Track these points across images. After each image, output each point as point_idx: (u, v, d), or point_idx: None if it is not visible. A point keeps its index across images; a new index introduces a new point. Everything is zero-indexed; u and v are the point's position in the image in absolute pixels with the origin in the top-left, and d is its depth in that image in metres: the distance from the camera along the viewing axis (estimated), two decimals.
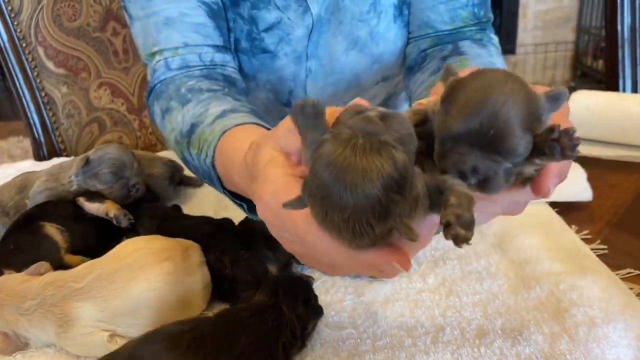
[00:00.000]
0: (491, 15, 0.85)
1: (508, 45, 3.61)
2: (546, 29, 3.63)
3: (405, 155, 0.34)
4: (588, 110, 0.98)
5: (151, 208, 0.75)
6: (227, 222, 0.68)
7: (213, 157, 0.61)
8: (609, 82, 1.29)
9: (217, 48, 0.79)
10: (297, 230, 0.40)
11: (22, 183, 0.77)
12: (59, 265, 0.63)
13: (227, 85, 0.74)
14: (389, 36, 0.86)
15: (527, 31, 3.64)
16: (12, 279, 0.57)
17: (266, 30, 0.83)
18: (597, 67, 3.51)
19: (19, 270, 0.60)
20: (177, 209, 0.78)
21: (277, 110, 0.93)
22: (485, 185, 0.38)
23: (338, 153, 0.33)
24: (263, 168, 0.43)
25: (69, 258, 0.65)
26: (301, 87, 0.89)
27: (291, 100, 0.91)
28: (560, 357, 0.50)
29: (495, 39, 0.84)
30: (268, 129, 0.59)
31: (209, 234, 0.65)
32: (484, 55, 0.77)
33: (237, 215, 0.67)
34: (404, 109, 1.10)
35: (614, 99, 0.99)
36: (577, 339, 0.52)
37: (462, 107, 0.37)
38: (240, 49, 0.85)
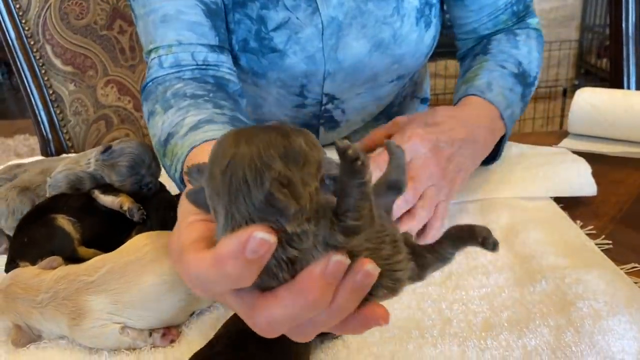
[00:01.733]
0: (529, 3, 0.91)
1: None
2: (550, 28, 3.63)
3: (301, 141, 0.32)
4: (593, 107, 0.98)
5: (158, 199, 0.75)
6: None
7: (181, 172, 0.61)
8: (613, 79, 1.30)
9: (212, 48, 0.79)
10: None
11: (45, 164, 0.81)
12: (73, 257, 0.64)
13: (214, 89, 0.74)
14: (411, 38, 0.88)
15: None
16: (25, 273, 0.58)
17: (275, 29, 0.83)
18: (600, 66, 3.51)
19: (34, 262, 0.61)
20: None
21: (289, 101, 0.94)
22: None
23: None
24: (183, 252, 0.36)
25: (82, 251, 0.66)
26: (318, 85, 0.90)
27: (304, 92, 0.92)
28: (566, 349, 0.51)
29: (533, 22, 0.91)
30: None
31: None
32: (506, 48, 0.86)
33: None
34: (411, 108, 1.12)
35: (619, 96, 0.99)
36: (582, 332, 0.53)
37: None
38: (249, 49, 0.86)
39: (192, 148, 0.59)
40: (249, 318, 0.34)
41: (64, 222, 0.67)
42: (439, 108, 0.74)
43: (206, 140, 0.59)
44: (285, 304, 0.32)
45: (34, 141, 3.80)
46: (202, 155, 0.57)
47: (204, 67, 0.78)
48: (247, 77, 0.90)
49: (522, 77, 0.83)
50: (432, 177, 0.65)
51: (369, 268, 0.32)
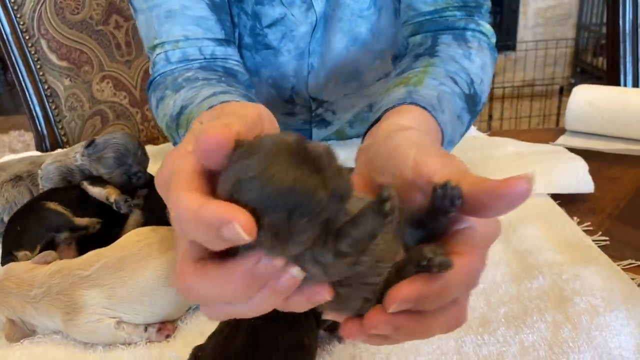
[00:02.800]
0: (484, 2, 0.76)
1: (508, 42, 3.62)
2: (546, 26, 3.64)
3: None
4: (590, 104, 0.99)
5: (153, 191, 0.75)
6: None
7: None
8: (610, 77, 1.30)
9: (219, 41, 0.78)
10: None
11: (33, 158, 0.80)
12: (72, 227, 0.65)
13: (225, 75, 0.74)
14: (390, 32, 0.85)
15: (527, 28, 3.65)
16: (19, 268, 0.57)
17: (269, 26, 0.83)
18: (597, 64, 3.52)
19: (32, 249, 0.61)
20: None
21: (279, 106, 0.93)
22: None
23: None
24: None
25: (78, 220, 0.67)
26: (303, 82, 0.89)
27: (293, 96, 0.91)
28: (563, 344, 0.51)
29: (485, 27, 0.74)
30: None
31: None
32: (457, 57, 0.68)
33: None
34: None
35: (616, 93, 0.99)
36: (580, 327, 0.52)
37: None
38: (244, 44, 0.85)
39: (209, 108, 0.57)
40: (179, 272, 0.32)
41: (53, 205, 0.68)
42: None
43: (223, 102, 0.58)
44: (208, 284, 0.31)
45: (29, 137, 3.78)
46: (223, 109, 0.56)
47: (212, 60, 0.77)
48: None
49: (471, 102, 0.65)
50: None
51: (294, 273, 0.30)
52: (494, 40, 0.74)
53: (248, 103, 0.38)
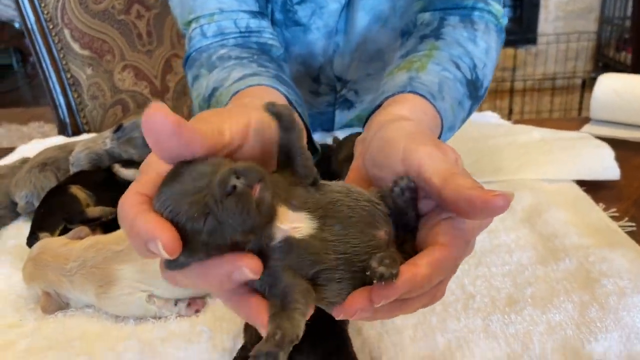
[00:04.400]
0: None
1: (529, 35, 3.58)
2: (568, 20, 3.59)
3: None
4: (615, 93, 0.98)
5: None
6: None
7: None
8: (635, 71, 1.28)
9: (253, 14, 0.78)
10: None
11: (65, 145, 0.83)
12: (83, 219, 0.67)
13: (258, 53, 0.74)
14: (411, 10, 0.86)
15: (548, 22, 3.61)
16: (54, 242, 0.59)
17: (300, 2, 0.83)
18: (619, 59, 3.47)
19: (52, 232, 0.63)
20: None
21: (306, 84, 0.94)
22: None
23: None
24: None
25: (90, 210, 0.69)
26: (329, 62, 0.90)
27: (320, 75, 0.92)
28: (591, 324, 0.51)
29: (495, 7, 0.72)
30: (284, 95, 0.59)
31: None
32: (462, 40, 0.67)
33: None
34: None
35: None
36: (607, 307, 0.53)
37: None
38: (275, 20, 0.85)
39: (236, 93, 0.59)
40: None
41: (76, 190, 0.70)
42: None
43: (250, 86, 0.59)
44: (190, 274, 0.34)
45: (48, 128, 3.83)
46: (247, 95, 0.58)
47: (247, 34, 0.76)
48: None
49: (473, 87, 0.65)
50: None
51: (253, 265, 0.32)
52: (504, 21, 0.74)
53: (245, 108, 0.39)
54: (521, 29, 3.58)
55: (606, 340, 0.49)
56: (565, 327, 0.51)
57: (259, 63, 0.69)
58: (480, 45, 0.68)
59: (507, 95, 3.25)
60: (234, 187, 0.30)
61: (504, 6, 0.75)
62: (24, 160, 0.85)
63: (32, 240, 0.66)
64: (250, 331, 0.49)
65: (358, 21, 0.85)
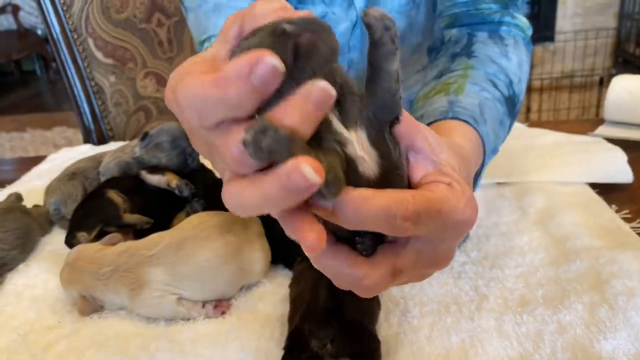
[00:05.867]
0: None
1: (547, 33, 3.55)
2: (586, 16, 3.56)
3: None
4: (630, 94, 0.99)
5: (202, 177, 0.80)
6: None
7: None
8: None
9: None
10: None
11: (95, 155, 0.87)
12: (119, 224, 0.71)
13: None
14: (428, 26, 0.86)
15: (566, 18, 3.58)
16: (89, 248, 0.62)
17: None
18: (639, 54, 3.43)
19: (89, 232, 0.68)
20: None
21: None
22: None
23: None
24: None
25: (127, 217, 0.72)
26: None
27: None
28: (600, 324, 0.53)
29: (521, 20, 0.73)
30: None
31: None
32: (495, 56, 0.67)
33: None
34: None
35: None
36: (616, 308, 0.55)
37: None
38: None
39: None
40: (217, 152, 0.31)
41: (113, 194, 0.74)
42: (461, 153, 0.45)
43: None
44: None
45: (71, 133, 3.91)
46: None
47: None
48: None
49: (511, 104, 0.65)
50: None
51: (323, 85, 0.29)
52: (529, 32, 0.74)
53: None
54: (539, 26, 3.56)
55: (615, 339, 0.51)
56: (575, 326, 0.53)
57: None
58: (512, 60, 0.68)
59: (525, 94, 3.24)
60: (284, 30, 0.29)
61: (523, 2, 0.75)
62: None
63: (70, 239, 0.71)
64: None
65: None
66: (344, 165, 0.31)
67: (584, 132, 0.98)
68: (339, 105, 0.32)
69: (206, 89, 0.29)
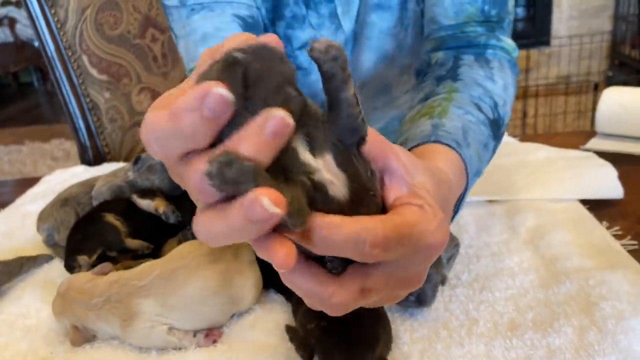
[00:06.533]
0: (506, 16, 0.75)
1: (542, 37, 3.57)
2: (581, 19, 3.58)
3: None
4: (620, 106, 0.99)
5: (190, 201, 0.80)
6: None
7: None
8: None
9: None
10: None
11: (87, 180, 0.87)
12: (121, 248, 0.71)
13: None
14: (417, 48, 0.87)
15: (562, 22, 3.59)
16: (80, 278, 0.63)
17: (300, 48, 0.87)
18: (635, 56, 3.44)
19: (90, 255, 0.69)
20: None
21: None
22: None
23: None
24: None
25: (129, 242, 0.72)
26: None
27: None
28: (589, 347, 0.53)
29: (507, 42, 0.74)
30: None
31: None
32: (480, 79, 0.67)
33: None
34: None
35: None
36: (605, 331, 0.55)
37: None
38: None
39: None
40: (185, 178, 0.32)
41: (111, 218, 0.74)
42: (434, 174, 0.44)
43: None
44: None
45: (69, 145, 3.92)
46: None
47: None
48: None
49: (496, 126, 0.65)
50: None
51: (279, 113, 0.29)
52: (515, 54, 0.75)
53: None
54: (534, 30, 3.57)
55: None
56: (565, 350, 0.53)
57: None
58: (498, 82, 0.68)
59: (520, 98, 3.24)
60: (235, 59, 0.29)
61: (516, 5, 0.76)
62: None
63: (70, 262, 0.71)
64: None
65: (364, 61, 0.88)
66: (311, 194, 0.31)
67: (576, 145, 0.99)
68: (303, 131, 0.32)
69: (162, 122, 0.30)
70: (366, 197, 0.34)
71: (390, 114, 1.00)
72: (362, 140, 0.34)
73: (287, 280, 0.36)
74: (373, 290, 0.36)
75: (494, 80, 0.68)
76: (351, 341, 0.52)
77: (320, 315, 0.51)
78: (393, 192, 0.37)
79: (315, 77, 0.89)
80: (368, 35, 0.86)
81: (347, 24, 0.85)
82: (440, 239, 0.36)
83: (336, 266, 0.35)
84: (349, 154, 0.33)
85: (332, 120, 0.33)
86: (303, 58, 0.87)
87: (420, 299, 0.58)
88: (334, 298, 0.35)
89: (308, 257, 0.35)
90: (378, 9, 0.85)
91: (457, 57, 0.72)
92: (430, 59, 0.76)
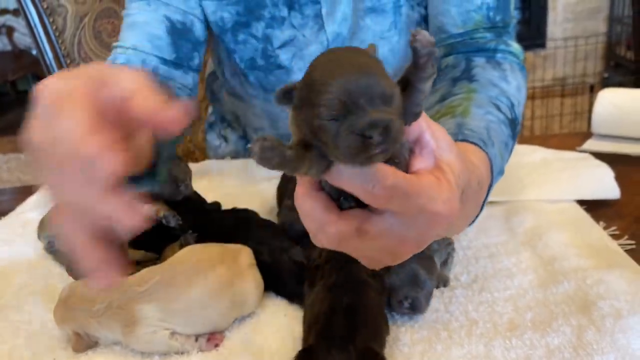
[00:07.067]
0: (510, 20, 0.79)
1: (537, 40, 3.57)
2: (577, 21, 3.59)
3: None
4: (615, 107, 1.00)
5: (193, 205, 0.81)
6: (252, 213, 0.77)
7: None
8: (638, 68, 1.30)
9: (165, 61, 0.86)
10: None
11: None
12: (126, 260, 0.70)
13: None
14: (409, 51, 0.89)
15: (557, 24, 3.60)
16: (82, 285, 0.63)
17: (280, 47, 0.88)
18: (630, 57, 3.45)
19: None
20: (218, 205, 0.84)
21: None
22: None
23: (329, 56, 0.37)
24: None
25: (132, 252, 0.72)
26: None
27: None
28: (587, 347, 0.54)
29: (514, 47, 0.77)
30: None
31: (233, 226, 0.73)
32: (495, 80, 0.70)
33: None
34: None
35: None
36: (603, 330, 0.55)
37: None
38: (257, 66, 0.91)
39: None
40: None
41: None
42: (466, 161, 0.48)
43: None
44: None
45: None
46: None
47: (152, 74, 0.84)
48: (258, 93, 0.96)
49: (513, 126, 0.66)
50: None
51: None
52: (522, 57, 0.77)
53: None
54: (529, 32, 3.58)
55: None
56: (564, 350, 0.54)
57: None
58: (512, 83, 0.71)
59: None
60: (371, 137, 0.33)
61: (515, 9, 0.80)
62: None
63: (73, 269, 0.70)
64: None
65: None
66: None
67: (572, 146, 0.99)
68: None
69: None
70: (391, 163, 0.38)
71: None
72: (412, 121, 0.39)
73: (298, 200, 0.40)
74: (369, 234, 0.39)
75: (508, 81, 0.70)
76: (333, 334, 0.53)
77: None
78: (419, 161, 0.40)
79: (297, 76, 0.90)
80: (362, 39, 0.87)
81: (330, 25, 0.86)
82: (446, 210, 0.39)
83: (346, 208, 0.39)
84: None
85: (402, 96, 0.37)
86: (284, 57, 0.89)
87: (413, 306, 0.59)
88: (332, 226, 0.39)
89: (322, 189, 0.39)
90: (372, 12, 0.86)
91: (468, 59, 0.74)
92: (440, 64, 0.77)
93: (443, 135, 0.42)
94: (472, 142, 0.55)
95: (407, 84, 0.38)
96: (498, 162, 0.58)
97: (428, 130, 0.40)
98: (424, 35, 0.36)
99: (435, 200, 0.38)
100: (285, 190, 0.81)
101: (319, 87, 0.34)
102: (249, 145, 0.34)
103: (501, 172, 0.62)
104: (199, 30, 0.88)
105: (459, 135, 0.56)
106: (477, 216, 0.58)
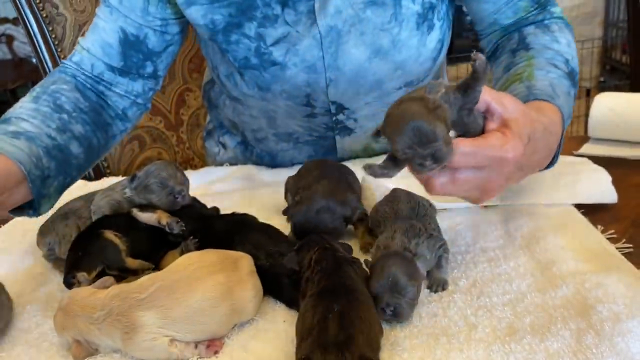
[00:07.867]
0: None
1: None
2: (573, 26, 3.60)
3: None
4: (611, 111, 1.01)
5: (192, 212, 0.81)
6: (250, 218, 0.78)
7: None
8: (635, 72, 1.30)
9: (112, 68, 0.93)
10: None
11: (87, 194, 0.88)
12: (121, 267, 0.71)
13: (86, 109, 0.88)
14: (411, 43, 0.90)
15: None
16: (82, 292, 0.63)
17: (273, 44, 0.88)
18: (626, 61, 3.47)
19: (90, 272, 0.69)
20: (217, 210, 0.85)
21: (299, 112, 0.98)
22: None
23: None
24: None
25: (130, 261, 0.73)
26: (322, 92, 0.94)
27: (310, 101, 0.96)
28: (587, 351, 0.54)
29: (557, 11, 0.90)
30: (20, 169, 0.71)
31: (232, 230, 0.74)
32: (548, 43, 0.84)
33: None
34: None
35: (637, 99, 1.01)
36: (602, 334, 0.55)
37: None
38: (251, 65, 0.91)
39: None
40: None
41: (111, 236, 0.74)
42: (532, 114, 0.65)
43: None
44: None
45: None
46: None
47: (97, 79, 0.93)
48: (254, 92, 0.96)
49: (571, 77, 0.80)
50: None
51: None
52: (564, 16, 0.91)
53: None
54: None
55: None
56: (563, 354, 0.54)
57: (55, 123, 0.82)
58: (562, 42, 0.85)
59: None
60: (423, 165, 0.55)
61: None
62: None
63: (69, 279, 0.70)
64: None
65: (357, 55, 0.90)
66: None
67: (569, 150, 1.00)
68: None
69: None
70: (469, 129, 0.60)
71: (381, 111, 1.00)
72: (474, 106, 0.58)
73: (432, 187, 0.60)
74: (459, 182, 0.58)
75: (559, 42, 0.84)
76: (327, 341, 0.53)
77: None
78: (491, 124, 0.60)
79: (291, 72, 0.91)
80: (362, 31, 0.88)
81: (322, 19, 0.87)
82: (509, 154, 0.58)
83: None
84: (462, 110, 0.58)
85: (463, 96, 0.57)
86: (277, 53, 0.89)
87: (396, 313, 0.59)
88: (435, 179, 0.59)
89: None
90: (372, 5, 0.87)
91: (519, 30, 0.89)
92: (497, 45, 0.93)
93: (508, 100, 0.60)
94: (542, 100, 0.72)
95: (467, 87, 0.56)
96: (566, 110, 0.74)
97: (494, 101, 0.59)
98: (480, 57, 0.55)
99: (498, 148, 0.57)
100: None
101: (392, 138, 0.55)
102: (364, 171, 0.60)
103: (569, 117, 0.76)
104: (153, 42, 0.95)
105: (530, 96, 0.73)
106: (554, 158, 0.74)
